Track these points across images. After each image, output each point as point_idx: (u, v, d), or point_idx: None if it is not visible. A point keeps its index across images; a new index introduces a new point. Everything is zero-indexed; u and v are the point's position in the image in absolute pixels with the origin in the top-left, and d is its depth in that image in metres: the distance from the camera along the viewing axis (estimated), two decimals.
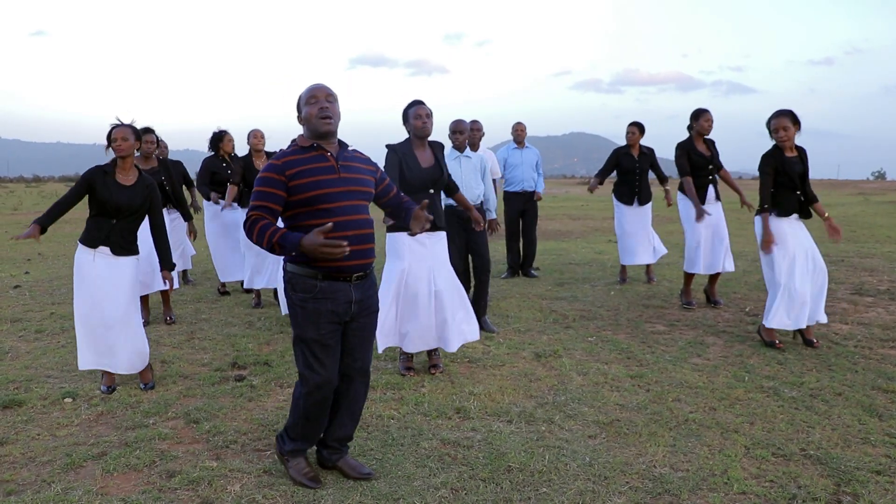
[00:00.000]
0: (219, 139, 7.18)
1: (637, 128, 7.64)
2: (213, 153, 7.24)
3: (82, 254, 4.29)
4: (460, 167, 5.65)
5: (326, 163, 2.88)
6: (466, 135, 5.70)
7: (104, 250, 4.27)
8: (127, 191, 4.27)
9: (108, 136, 4.28)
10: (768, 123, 5.08)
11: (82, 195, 4.29)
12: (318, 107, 2.87)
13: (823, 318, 5.21)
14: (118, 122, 4.32)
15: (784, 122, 4.96)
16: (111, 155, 4.31)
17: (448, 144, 5.69)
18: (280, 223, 2.95)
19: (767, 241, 5.04)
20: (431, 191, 4.56)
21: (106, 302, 4.22)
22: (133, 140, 4.28)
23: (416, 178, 4.50)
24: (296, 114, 2.99)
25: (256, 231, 2.78)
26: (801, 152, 5.13)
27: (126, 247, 4.34)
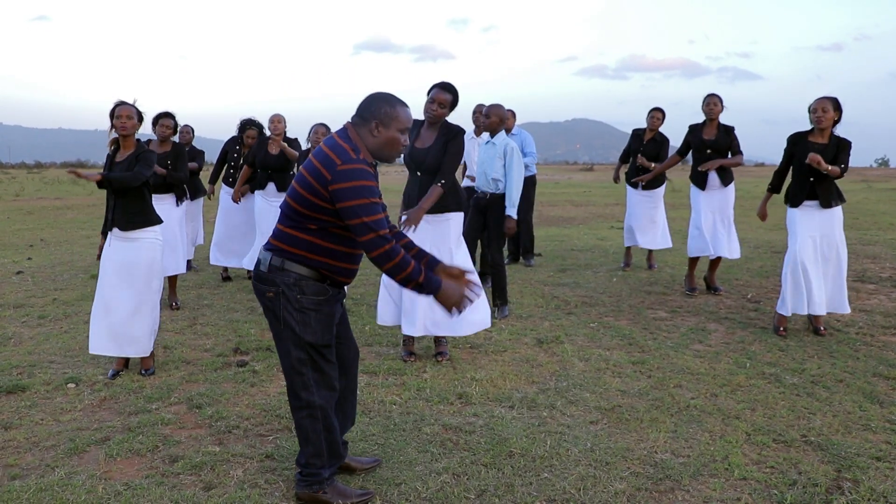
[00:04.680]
0: (242, 129, 7.20)
1: (661, 113, 7.61)
2: (237, 136, 7.29)
3: (108, 243, 4.34)
4: (485, 153, 5.59)
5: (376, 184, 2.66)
6: (492, 119, 5.55)
7: (116, 232, 4.28)
8: (118, 166, 4.26)
9: (112, 114, 4.24)
10: (810, 106, 5.04)
11: None
12: (403, 140, 2.66)
13: (846, 309, 5.18)
14: (124, 101, 4.29)
15: (824, 103, 4.94)
16: (112, 136, 4.29)
17: (470, 128, 5.65)
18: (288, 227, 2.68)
19: (760, 214, 5.46)
20: (418, 173, 4.52)
21: (119, 285, 4.26)
22: (136, 120, 4.27)
23: (406, 156, 4.51)
24: (370, 117, 2.62)
25: (394, 264, 2.53)
26: (836, 142, 4.96)
27: (132, 220, 4.26)
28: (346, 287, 2.85)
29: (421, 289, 2.59)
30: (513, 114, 8.21)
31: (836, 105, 4.95)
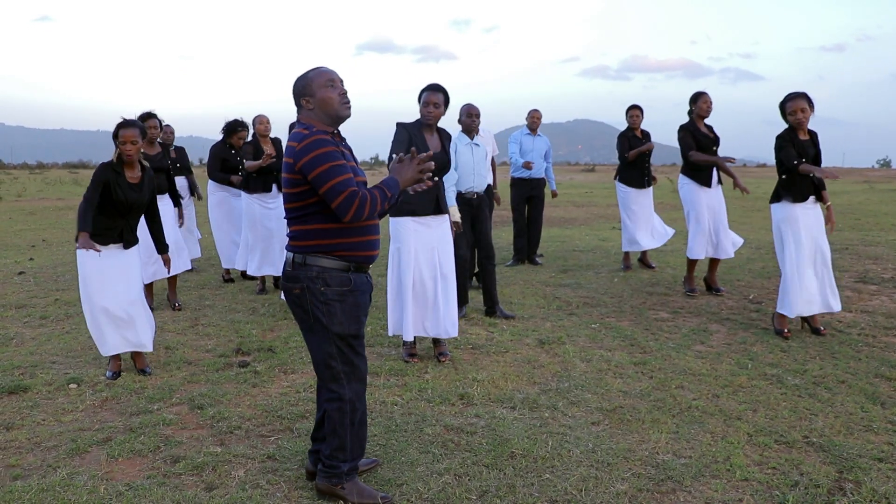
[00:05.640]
0: (233, 131, 7.12)
1: (640, 111, 7.68)
2: (222, 141, 7.22)
3: (89, 255, 4.26)
4: (472, 154, 5.63)
5: (341, 150, 2.74)
6: (478, 118, 5.71)
7: (114, 246, 4.30)
8: (136, 189, 4.30)
9: (115, 136, 4.20)
10: (783, 105, 5.04)
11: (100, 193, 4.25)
12: (338, 91, 2.72)
13: (837, 307, 5.17)
14: (125, 120, 4.22)
15: (802, 103, 4.96)
16: (114, 150, 4.25)
17: (457, 129, 5.71)
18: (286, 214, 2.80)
19: (830, 173, 4.89)
20: (437, 178, 4.53)
21: (121, 285, 4.27)
22: (140, 140, 4.25)
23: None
24: (297, 97, 2.75)
25: (369, 206, 2.61)
26: (814, 136, 5.11)
27: (133, 240, 4.42)
28: (369, 275, 2.88)
29: (394, 197, 2.71)
30: (539, 114, 8.25)
31: (809, 102, 5.01)
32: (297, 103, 2.77)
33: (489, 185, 6.07)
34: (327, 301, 2.72)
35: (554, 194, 8.52)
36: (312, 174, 2.60)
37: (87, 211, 4.21)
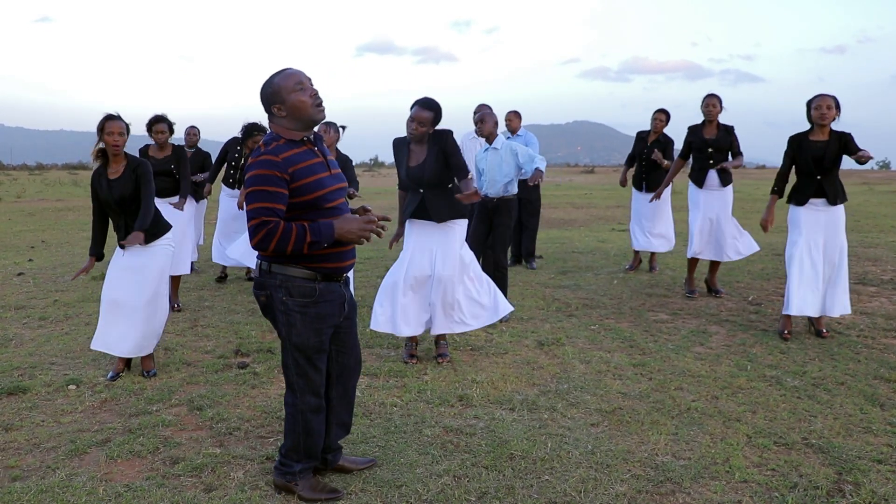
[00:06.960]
0: (249, 135, 7.09)
1: (664, 115, 7.61)
2: (240, 138, 7.22)
3: (116, 251, 4.35)
4: (487, 160, 5.61)
5: (317, 158, 2.69)
6: (489, 123, 5.62)
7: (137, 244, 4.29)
8: (116, 184, 4.20)
9: (101, 128, 4.15)
10: (810, 102, 5.04)
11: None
12: (309, 93, 2.63)
13: (838, 312, 5.15)
14: (111, 115, 4.18)
15: (828, 100, 4.97)
16: (99, 146, 4.21)
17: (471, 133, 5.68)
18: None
19: (764, 221, 5.26)
20: (421, 189, 4.46)
21: (132, 286, 4.25)
22: (126, 135, 4.21)
23: (404, 176, 4.48)
24: (268, 105, 2.66)
25: (277, 239, 2.54)
26: (838, 136, 4.99)
27: (151, 232, 4.28)
28: (350, 288, 2.86)
29: (318, 244, 2.60)
30: (518, 115, 8.19)
31: (836, 104, 4.99)
32: (268, 111, 2.68)
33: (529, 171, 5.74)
34: (288, 311, 2.71)
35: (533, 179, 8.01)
36: (246, 192, 2.61)
37: (93, 229, 4.31)
